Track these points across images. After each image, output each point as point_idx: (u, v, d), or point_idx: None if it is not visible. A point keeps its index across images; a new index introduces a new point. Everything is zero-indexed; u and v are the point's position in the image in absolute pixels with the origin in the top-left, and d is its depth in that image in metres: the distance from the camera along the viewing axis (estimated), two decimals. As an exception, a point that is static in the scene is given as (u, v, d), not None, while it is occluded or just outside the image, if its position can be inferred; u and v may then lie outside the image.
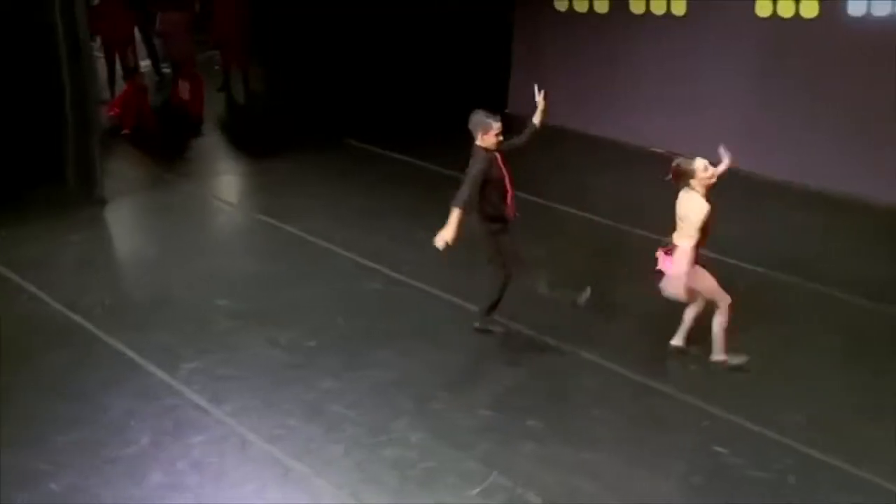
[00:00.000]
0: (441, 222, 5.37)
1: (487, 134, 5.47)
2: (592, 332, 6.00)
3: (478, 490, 4.41)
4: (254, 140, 10.94)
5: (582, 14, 10.05)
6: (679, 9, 9.43)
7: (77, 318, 6.10)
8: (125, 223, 8.57)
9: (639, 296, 6.13)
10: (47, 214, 8.18)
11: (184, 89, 11.44)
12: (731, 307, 5.42)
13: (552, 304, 5.95)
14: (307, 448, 4.72)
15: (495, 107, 6.02)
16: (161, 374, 5.41)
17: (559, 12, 10.13)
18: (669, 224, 5.31)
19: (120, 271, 7.45)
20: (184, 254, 7.46)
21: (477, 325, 6.00)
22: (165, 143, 10.60)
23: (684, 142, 9.33)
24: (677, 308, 5.60)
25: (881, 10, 8.22)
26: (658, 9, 9.56)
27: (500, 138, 5.54)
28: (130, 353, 5.63)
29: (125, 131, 10.77)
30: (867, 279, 6.85)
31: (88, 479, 4.45)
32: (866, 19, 8.31)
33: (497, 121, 5.53)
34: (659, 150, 9.67)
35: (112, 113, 11.08)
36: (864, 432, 4.98)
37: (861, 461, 4.67)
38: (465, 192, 5.45)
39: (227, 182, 9.70)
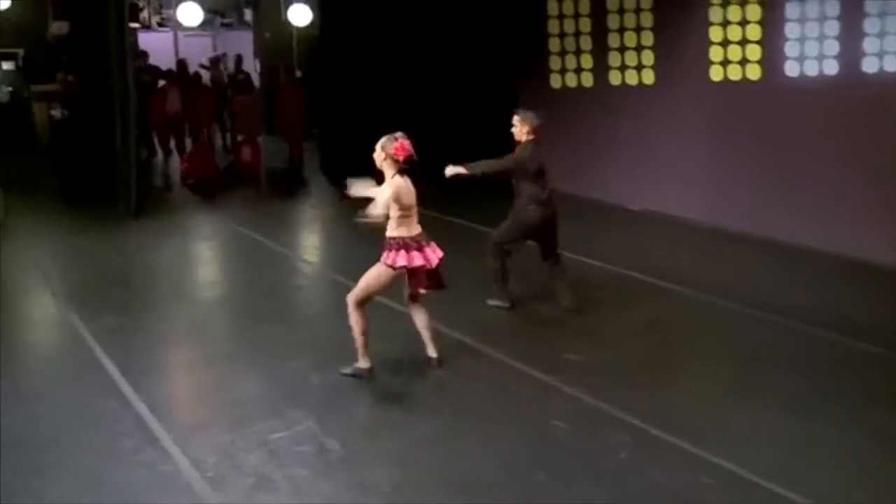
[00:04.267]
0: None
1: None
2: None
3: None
4: (294, 192, 12.28)
5: (572, 88, 10.94)
6: (648, 79, 10.24)
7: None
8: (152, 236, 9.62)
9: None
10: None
11: (246, 153, 13.07)
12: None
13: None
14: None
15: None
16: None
17: (554, 88, 11.05)
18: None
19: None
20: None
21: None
22: (223, 192, 11.85)
23: (657, 198, 9.96)
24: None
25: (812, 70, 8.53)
26: (631, 80, 10.29)
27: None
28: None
29: (190, 181, 12.41)
30: (782, 304, 6.82)
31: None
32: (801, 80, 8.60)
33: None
34: (635, 209, 10.28)
35: (183, 166, 12.83)
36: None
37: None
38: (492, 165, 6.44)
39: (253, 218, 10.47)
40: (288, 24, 16.59)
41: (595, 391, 5.27)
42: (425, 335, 5.62)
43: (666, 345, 6.25)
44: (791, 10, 8.64)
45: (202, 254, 9.34)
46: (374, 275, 5.37)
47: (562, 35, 10.79)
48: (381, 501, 4.15)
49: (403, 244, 5.33)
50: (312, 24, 16.48)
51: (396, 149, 5.28)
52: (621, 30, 10.18)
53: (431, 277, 5.47)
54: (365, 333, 5.38)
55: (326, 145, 13.10)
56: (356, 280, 5.42)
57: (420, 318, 5.61)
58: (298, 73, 16.30)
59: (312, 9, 15.75)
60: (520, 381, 5.52)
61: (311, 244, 9.97)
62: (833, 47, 8.38)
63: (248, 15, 19.08)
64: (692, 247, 8.83)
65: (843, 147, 8.31)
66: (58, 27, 13.80)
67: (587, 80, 10.69)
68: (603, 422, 4.93)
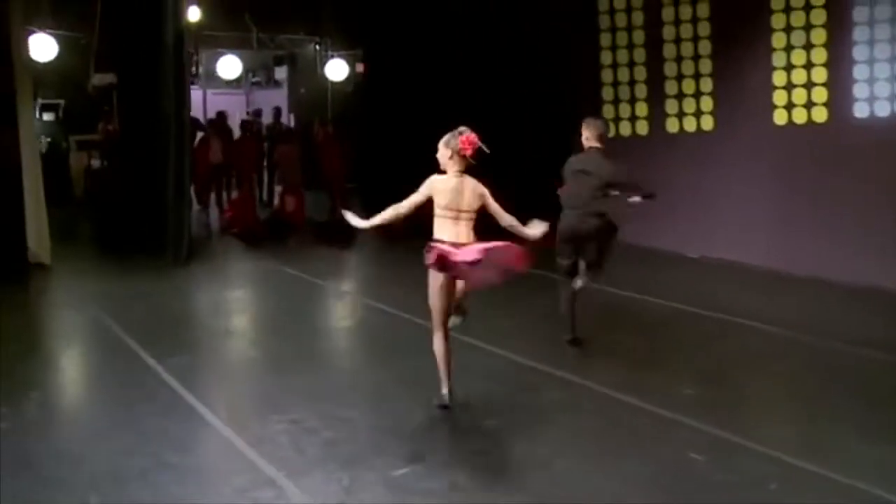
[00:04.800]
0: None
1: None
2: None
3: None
4: (342, 240, 12.11)
5: (626, 136, 10.89)
6: (707, 125, 10.10)
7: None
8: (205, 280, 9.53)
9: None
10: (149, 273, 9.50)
11: (290, 202, 12.91)
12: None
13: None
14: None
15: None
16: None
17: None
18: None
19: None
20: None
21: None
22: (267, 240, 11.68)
23: (717, 244, 9.80)
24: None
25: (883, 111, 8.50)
26: (690, 126, 10.22)
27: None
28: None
29: (234, 230, 12.22)
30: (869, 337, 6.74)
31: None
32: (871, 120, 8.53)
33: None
34: (693, 256, 10.11)
35: (227, 215, 12.67)
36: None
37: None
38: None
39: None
40: (323, 79, 16.68)
41: (722, 423, 5.01)
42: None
43: (769, 378, 6.08)
44: (859, 52, 8.60)
45: (260, 296, 9.10)
46: (430, 291, 5.06)
47: (615, 84, 10.76)
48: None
49: (444, 249, 4.84)
50: (346, 80, 16.62)
51: (463, 143, 4.97)
52: (679, 77, 10.14)
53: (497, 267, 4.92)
54: (443, 359, 5.10)
55: (366, 197, 13.07)
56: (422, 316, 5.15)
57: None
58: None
59: (350, 64, 15.87)
60: (630, 413, 5.25)
61: (372, 285, 9.65)
62: (905, 88, 8.32)
63: (279, 74, 19.24)
64: (760, 287, 8.65)
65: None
66: (100, 78, 13.81)
67: (642, 127, 10.62)
68: (741, 453, 4.65)
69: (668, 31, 10.20)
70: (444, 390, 5.14)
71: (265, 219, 12.74)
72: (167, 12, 9.80)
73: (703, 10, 9.86)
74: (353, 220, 5.27)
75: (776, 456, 4.60)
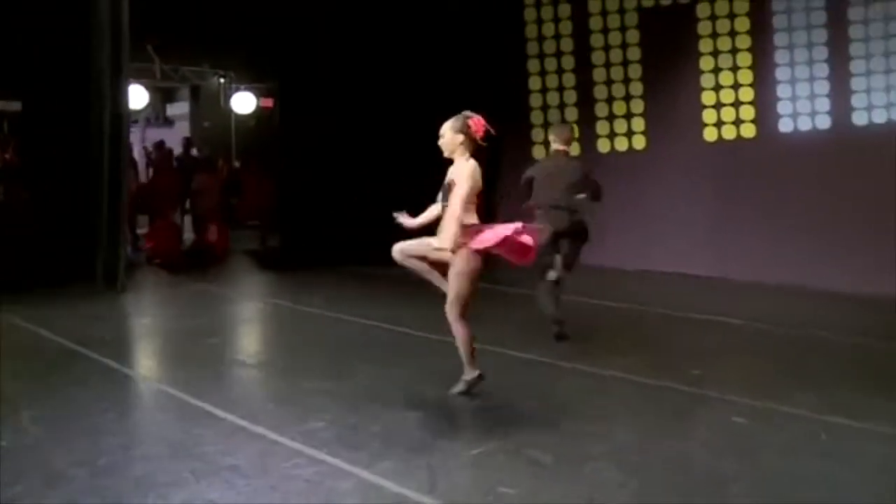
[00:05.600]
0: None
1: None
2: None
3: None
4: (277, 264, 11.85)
5: (557, 158, 11.20)
6: (640, 144, 10.76)
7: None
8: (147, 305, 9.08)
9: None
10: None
11: (212, 232, 12.45)
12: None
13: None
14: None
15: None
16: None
17: (537, 159, 11.28)
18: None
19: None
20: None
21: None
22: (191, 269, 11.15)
23: (655, 258, 10.27)
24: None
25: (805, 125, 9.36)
26: (621, 146, 10.89)
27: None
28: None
29: (157, 261, 11.65)
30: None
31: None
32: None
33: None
34: (629, 269, 10.50)
35: (148, 246, 12.07)
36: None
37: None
38: None
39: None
40: (227, 112, 16.32)
41: (746, 393, 5.26)
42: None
43: (756, 358, 6.44)
44: (781, 73, 9.37)
45: (221, 320, 8.61)
46: (462, 279, 4.96)
47: (545, 108, 11.16)
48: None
49: (477, 230, 4.95)
50: (251, 113, 16.35)
51: (476, 125, 4.96)
52: (609, 99, 10.65)
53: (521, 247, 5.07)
54: (470, 342, 5.08)
55: (287, 230, 12.85)
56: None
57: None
58: (237, 163, 15.99)
59: (257, 97, 15.63)
60: (655, 392, 5.43)
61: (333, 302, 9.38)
62: (824, 104, 9.11)
63: (172, 110, 18.68)
64: (706, 291, 9.10)
65: (835, 194, 8.94)
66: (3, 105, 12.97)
67: (573, 149, 10.98)
68: (779, 416, 4.90)
69: (597, 57, 10.72)
70: (471, 375, 5.11)
71: (187, 248, 12.22)
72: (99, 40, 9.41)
73: (633, 36, 10.45)
74: (402, 218, 5.16)
75: (810, 416, 4.85)
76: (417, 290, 5.64)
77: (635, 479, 3.96)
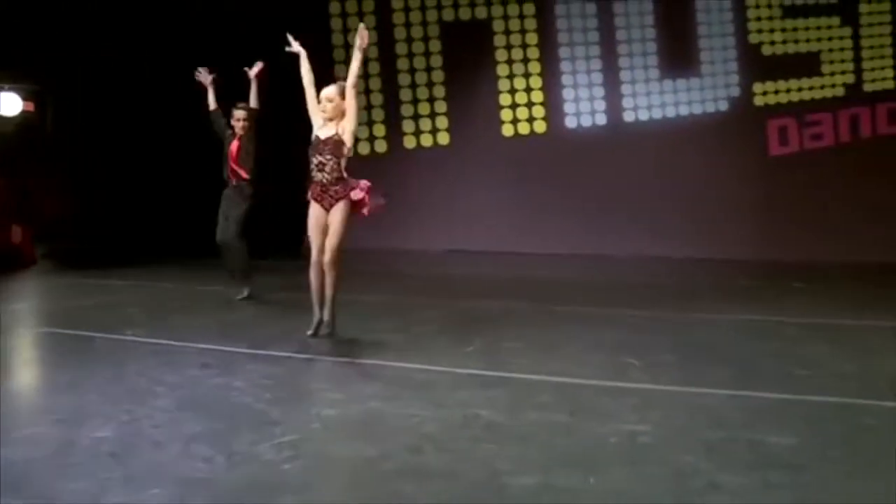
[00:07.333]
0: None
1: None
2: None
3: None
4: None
5: (365, 156, 12.00)
6: (444, 140, 12.08)
7: None
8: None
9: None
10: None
11: (16, 234, 11.37)
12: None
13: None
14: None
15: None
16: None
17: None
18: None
19: None
20: None
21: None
22: None
23: (463, 240, 11.47)
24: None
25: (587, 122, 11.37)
26: (427, 142, 12.11)
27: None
28: None
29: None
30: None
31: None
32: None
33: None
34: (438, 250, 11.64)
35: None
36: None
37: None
38: None
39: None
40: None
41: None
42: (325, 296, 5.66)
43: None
44: (566, 78, 11.17)
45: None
46: (346, 220, 5.56)
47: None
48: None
49: (353, 185, 5.66)
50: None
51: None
52: (414, 100, 11.80)
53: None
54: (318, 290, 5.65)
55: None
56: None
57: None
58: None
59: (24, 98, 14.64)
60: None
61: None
62: (601, 104, 11.04)
63: None
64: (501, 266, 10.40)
65: (610, 177, 10.88)
66: None
67: (380, 146, 12.01)
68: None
69: (402, 63, 11.83)
70: (323, 316, 5.63)
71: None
72: None
73: (435, 45, 11.73)
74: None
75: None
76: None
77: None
